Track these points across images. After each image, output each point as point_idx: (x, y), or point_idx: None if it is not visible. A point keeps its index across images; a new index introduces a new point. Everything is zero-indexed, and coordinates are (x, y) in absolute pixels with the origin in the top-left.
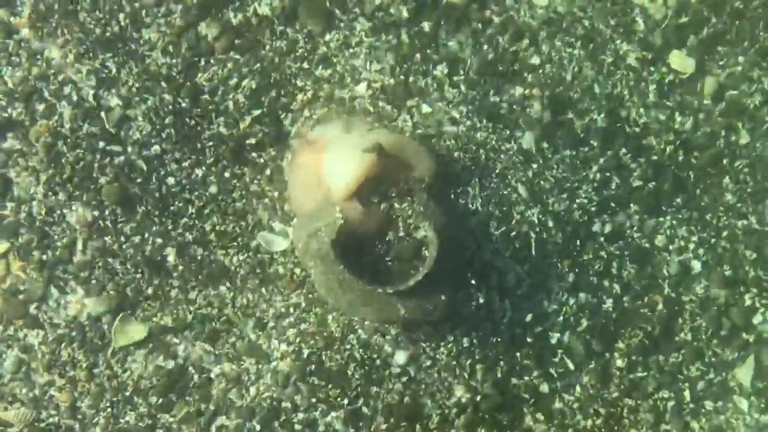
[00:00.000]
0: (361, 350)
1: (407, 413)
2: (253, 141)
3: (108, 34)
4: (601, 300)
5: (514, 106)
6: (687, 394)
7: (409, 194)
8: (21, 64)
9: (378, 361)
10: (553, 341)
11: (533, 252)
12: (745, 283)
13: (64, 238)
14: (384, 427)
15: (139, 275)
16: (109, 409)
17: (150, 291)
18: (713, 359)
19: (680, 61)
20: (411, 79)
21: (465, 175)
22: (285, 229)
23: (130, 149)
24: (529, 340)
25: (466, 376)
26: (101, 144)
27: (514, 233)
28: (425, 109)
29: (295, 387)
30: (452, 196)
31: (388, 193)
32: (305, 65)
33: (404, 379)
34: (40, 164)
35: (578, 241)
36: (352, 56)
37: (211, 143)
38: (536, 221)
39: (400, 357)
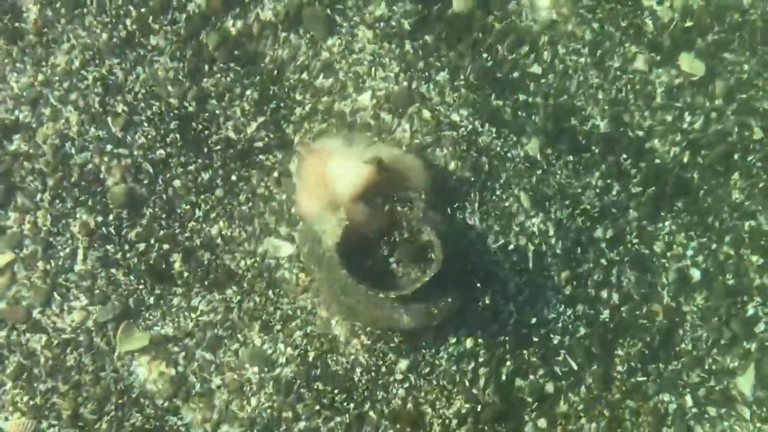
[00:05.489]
0: (366, 355)
1: (411, 420)
2: (260, 144)
3: (115, 39)
4: (599, 310)
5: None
6: (688, 399)
7: (409, 202)
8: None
9: (383, 368)
10: (555, 342)
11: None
12: (749, 292)
13: (67, 248)
14: None
15: (141, 286)
16: (113, 413)
17: (152, 300)
18: (714, 367)
19: (690, 64)
20: (414, 84)
21: (463, 186)
22: (291, 234)
23: (136, 152)
24: (534, 339)
25: (467, 383)
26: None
27: (512, 245)
28: (426, 114)
29: (299, 393)
30: (449, 209)
31: (391, 197)
32: (304, 76)
33: (406, 385)
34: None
35: (579, 248)
36: (355, 62)
37: (218, 147)
38: (537, 231)
39: (403, 364)
